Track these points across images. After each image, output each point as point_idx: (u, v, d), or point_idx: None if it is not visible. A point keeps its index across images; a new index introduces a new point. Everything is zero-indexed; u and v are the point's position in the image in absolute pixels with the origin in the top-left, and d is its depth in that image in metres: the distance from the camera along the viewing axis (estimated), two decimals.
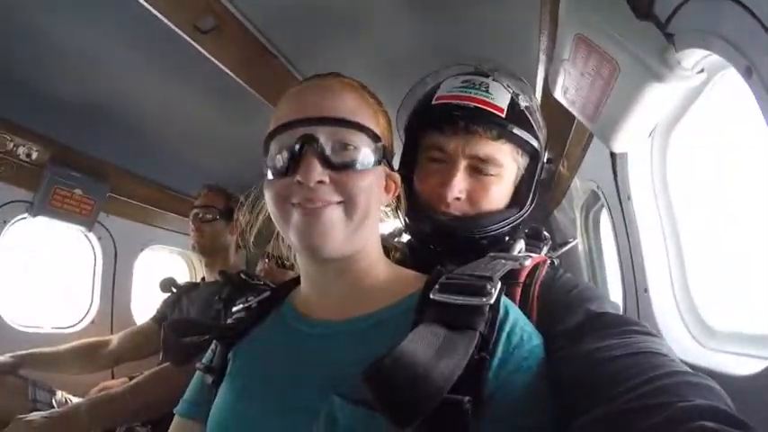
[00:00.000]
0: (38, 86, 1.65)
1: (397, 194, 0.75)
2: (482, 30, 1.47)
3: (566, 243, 1.04)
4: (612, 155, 1.30)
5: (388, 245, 0.80)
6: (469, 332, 0.55)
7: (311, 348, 0.66)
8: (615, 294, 1.54)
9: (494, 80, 0.86)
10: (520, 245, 0.86)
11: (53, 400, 1.57)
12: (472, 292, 0.60)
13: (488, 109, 0.81)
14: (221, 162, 2.32)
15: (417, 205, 0.85)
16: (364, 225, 0.65)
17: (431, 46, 1.54)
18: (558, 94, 1.26)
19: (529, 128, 0.85)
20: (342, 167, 0.63)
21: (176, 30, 1.32)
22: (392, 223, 0.89)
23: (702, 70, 0.82)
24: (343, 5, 1.39)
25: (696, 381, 0.47)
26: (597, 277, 1.90)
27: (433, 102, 0.85)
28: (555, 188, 2.19)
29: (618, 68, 0.92)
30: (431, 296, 0.61)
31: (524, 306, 0.70)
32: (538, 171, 0.90)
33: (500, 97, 0.83)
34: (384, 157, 0.68)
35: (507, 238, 0.87)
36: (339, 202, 0.63)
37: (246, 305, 0.80)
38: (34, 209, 1.86)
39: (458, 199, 0.81)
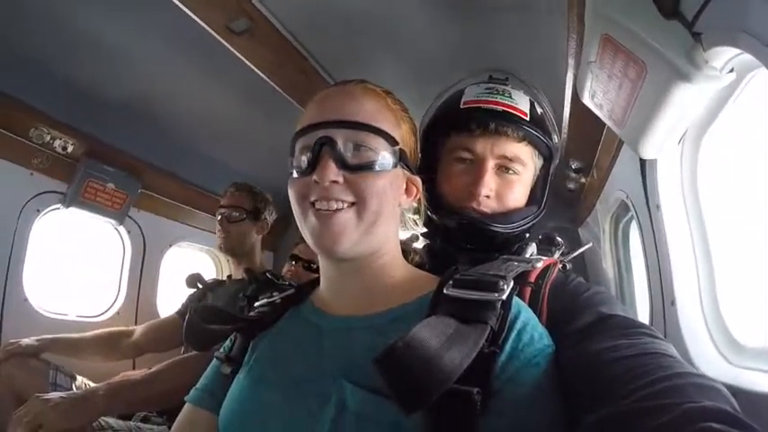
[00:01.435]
0: (76, 83, 1.73)
1: (418, 198, 0.77)
2: (510, 34, 1.46)
3: (579, 247, 1.02)
4: (642, 162, 1.26)
5: (407, 248, 0.82)
6: (481, 325, 0.56)
7: (328, 341, 0.68)
8: (642, 307, 1.49)
9: (512, 87, 0.92)
10: (531, 248, 0.89)
11: (73, 385, 1.61)
12: (485, 287, 0.61)
13: (515, 113, 0.86)
14: (251, 162, 2.37)
15: (444, 204, 0.88)
16: (377, 226, 0.67)
17: (460, 50, 1.55)
18: (585, 99, 1.23)
19: (545, 131, 0.89)
20: (356, 168, 0.66)
21: (210, 31, 1.36)
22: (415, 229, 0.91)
23: (732, 70, 0.79)
24: (375, 11, 1.41)
25: (703, 382, 0.47)
26: (625, 291, 1.84)
27: (462, 106, 0.89)
28: (584, 198, 2.14)
29: (645, 69, 0.89)
30: (444, 291, 0.63)
31: (534, 306, 0.71)
32: (551, 173, 0.95)
33: (521, 103, 0.89)
34: (402, 160, 0.70)
35: (527, 235, 0.92)
36: (351, 204, 0.66)
37: (271, 300, 0.83)
38: (67, 200, 1.93)
39: (487, 197, 0.85)
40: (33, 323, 1.80)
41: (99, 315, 2.14)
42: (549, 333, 0.63)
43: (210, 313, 0.81)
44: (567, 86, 1.46)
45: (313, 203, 0.66)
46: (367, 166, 0.66)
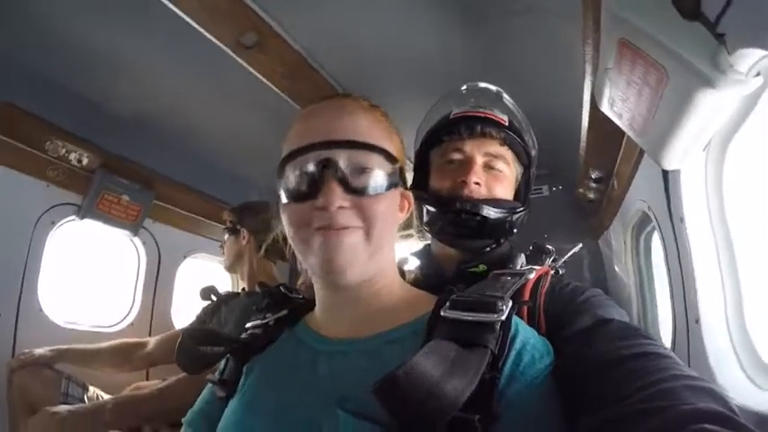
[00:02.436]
0: (90, 97, 1.77)
1: (410, 212, 0.75)
2: (524, 41, 1.44)
3: (600, 258, 1.00)
4: (664, 172, 1.21)
5: (400, 267, 0.81)
6: (481, 349, 0.54)
7: (321, 365, 0.66)
8: (665, 325, 1.42)
9: (493, 105, 1.02)
10: (521, 260, 0.91)
11: (85, 396, 1.62)
12: (483, 308, 0.59)
13: (497, 119, 0.96)
14: (264, 173, 2.36)
15: (439, 199, 0.94)
16: (382, 248, 0.66)
17: (474, 60, 1.53)
18: (604, 107, 1.18)
19: (523, 139, 0.99)
20: (362, 192, 0.63)
21: (220, 45, 1.37)
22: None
23: (759, 74, 0.74)
24: (385, 24, 1.40)
25: (697, 384, 0.47)
26: (647, 307, 1.76)
27: (451, 116, 0.99)
28: (605, 209, 2.07)
29: (666, 75, 0.84)
30: (441, 313, 0.61)
31: (532, 319, 0.72)
32: (531, 180, 1.03)
33: (501, 115, 0.99)
34: (401, 177, 0.69)
35: (515, 230, 0.97)
36: (359, 227, 0.63)
37: (264, 322, 0.80)
38: (82, 212, 1.95)
39: (477, 184, 0.92)
40: (48, 333, 1.81)
41: (113, 326, 2.15)
42: (548, 338, 0.63)
43: (203, 335, 0.80)
44: (584, 93, 1.42)
45: (318, 230, 0.62)
46: (372, 189, 0.63)
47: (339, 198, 0.61)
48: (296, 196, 0.64)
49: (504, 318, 0.57)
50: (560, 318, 0.70)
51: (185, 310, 2.36)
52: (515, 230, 0.96)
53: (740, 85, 0.74)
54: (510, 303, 0.60)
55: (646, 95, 0.95)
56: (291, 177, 0.65)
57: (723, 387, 0.94)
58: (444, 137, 0.98)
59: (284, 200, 0.66)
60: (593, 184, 1.94)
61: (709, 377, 0.99)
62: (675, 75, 0.82)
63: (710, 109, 0.82)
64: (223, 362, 0.79)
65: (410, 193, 0.74)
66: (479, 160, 0.94)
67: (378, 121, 0.69)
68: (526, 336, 0.59)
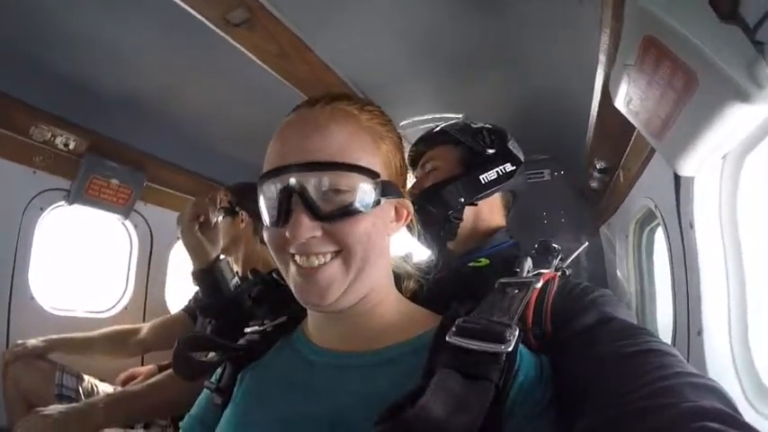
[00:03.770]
0: (75, 78, 1.67)
1: (408, 220, 0.70)
2: (536, 24, 1.36)
3: (573, 251, 0.97)
4: (676, 175, 1.16)
5: (400, 272, 0.79)
6: (485, 383, 0.52)
7: (317, 379, 0.64)
8: (664, 332, 1.39)
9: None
10: (527, 264, 0.86)
11: (79, 387, 1.61)
12: (490, 338, 0.56)
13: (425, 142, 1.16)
14: (258, 154, 2.29)
15: None
16: (365, 271, 0.62)
17: (482, 44, 1.45)
18: (618, 103, 1.12)
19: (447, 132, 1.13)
20: (334, 217, 0.58)
21: (208, 23, 1.28)
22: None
23: None
24: (386, 2, 1.30)
25: (701, 382, 0.47)
26: (646, 308, 1.75)
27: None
28: (608, 199, 2.03)
29: (696, 81, 0.78)
30: (447, 339, 0.58)
31: (538, 323, 0.71)
32: (477, 151, 1.08)
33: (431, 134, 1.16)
34: (385, 192, 0.62)
35: (462, 198, 1.04)
36: (336, 253, 0.60)
37: (262, 329, 0.78)
38: (71, 197, 1.89)
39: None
40: (41, 321, 1.78)
41: (107, 311, 2.12)
42: (554, 337, 0.65)
43: (199, 342, 0.78)
44: (596, 82, 1.35)
45: (293, 255, 0.60)
46: (345, 212, 0.58)
47: (307, 229, 0.57)
48: (270, 221, 0.62)
49: (510, 349, 0.55)
50: (566, 316, 0.69)
51: (181, 291, 2.32)
52: (463, 198, 1.01)
53: None
54: (517, 332, 0.57)
55: (669, 99, 0.89)
56: (264, 200, 0.62)
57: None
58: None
59: (266, 222, 0.63)
60: (598, 174, 1.89)
61: None
62: (706, 82, 0.76)
63: (738, 121, 0.77)
64: (220, 368, 0.77)
65: (408, 202, 0.69)
66: (419, 175, 1.11)
67: (358, 128, 0.63)
68: (528, 366, 0.57)
